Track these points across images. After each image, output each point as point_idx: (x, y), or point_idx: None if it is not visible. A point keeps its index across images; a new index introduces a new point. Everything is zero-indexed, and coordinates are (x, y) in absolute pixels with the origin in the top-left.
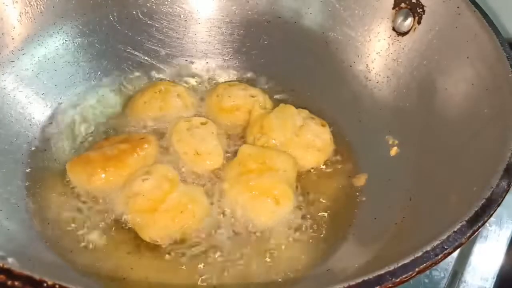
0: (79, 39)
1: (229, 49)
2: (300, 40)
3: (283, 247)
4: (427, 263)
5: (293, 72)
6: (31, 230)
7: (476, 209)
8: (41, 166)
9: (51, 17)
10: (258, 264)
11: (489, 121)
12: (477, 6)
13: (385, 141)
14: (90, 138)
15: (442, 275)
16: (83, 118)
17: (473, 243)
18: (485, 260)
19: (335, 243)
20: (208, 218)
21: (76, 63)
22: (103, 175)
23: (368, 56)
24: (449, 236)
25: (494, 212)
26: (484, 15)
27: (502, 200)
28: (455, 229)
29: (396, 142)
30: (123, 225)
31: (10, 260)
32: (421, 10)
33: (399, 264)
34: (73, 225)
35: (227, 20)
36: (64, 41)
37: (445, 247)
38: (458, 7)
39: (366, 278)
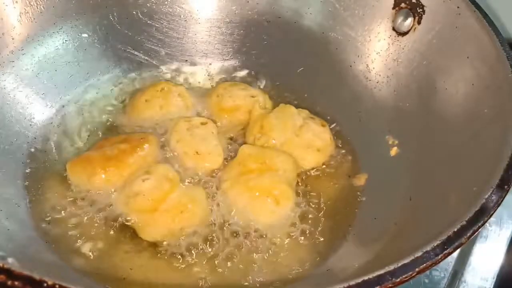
0: (79, 39)
1: (229, 49)
2: (300, 40)
3: (283, 247)
4: (427, 263)
5: (293, 72)
6: (31, 230)
7: (476, 209)
8: (41, 166)
9: (51, 17)
10: (258, 264)
11: (489, 121)
12: (477, 6)
13: (385, 141)
14: (90, 138)
15: (442, 275)
16: (83, 118)
17: (473, 243)
18: (485, 260)
19: (335, 243)
20: (208, 218)
21: (76, 63)
22: (103, 175)
23: (368, 56)
24: (449, 236)
25: (494, 212)
26: (484, 15)
27: (502, 200)
28: (455, 229)
29: (396, 142)
30: (123, 225)
31: (10, 260)
32: (421, 10)
33: (399, 264)
34: (73, 225)
35: (227, 20)
36: (64, 41)
37: (445, 247)
38: (458, 7)
39: (366, 278)
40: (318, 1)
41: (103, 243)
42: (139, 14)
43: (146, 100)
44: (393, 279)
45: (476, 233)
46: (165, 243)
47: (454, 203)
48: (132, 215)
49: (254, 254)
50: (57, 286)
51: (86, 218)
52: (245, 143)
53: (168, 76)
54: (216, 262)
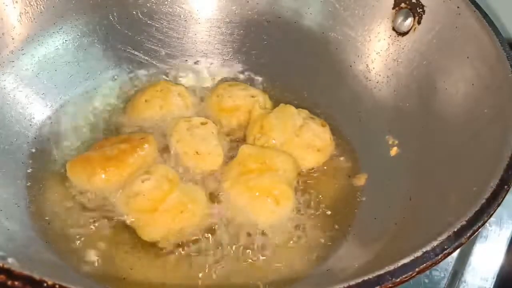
0: (79, 39)
1: (229, 49)
2: (300, 40)
3: (283, 247)
4: (427, 263)
5: (293, 72)
6: (31, 230)
7: (476, 209)
8: (41, 166)
9: (51, 17)
10: (258, 264)
11: (489, 121)
12: (477, 6)
13: (385, 141)
14: (90, 138)
15: (442, 275)
16: (83, 118)
17: (473, 243)
18: (485, 260)
19: (335, 243)
20: (208, 218)
21: (76, 63)
22: (103, 175)
23: (368, 56)
24: (449, 236)
25: (494, 212)
26: (484, 15)
27: (502, 200)
28: (455, 229)
29: (396, 142)
30: (123, 225)
31: (10, 260)
32: (421, 10)
33: (399, 264)
34: (73, 225)
35: (227, 20)
36: (64, 41)
37: (445, 247)
38: (458, 7)
39: (366, 278)
40: (318, 1)
41: (103, 243)
42: (139, 14)
43: (146, 100)
44: (393, 279)
45: (476, 233)
46: (165, 243)
47: (454, 203)
48: (132, 215)
49: (254, 254)
50: (57, 286)
51: (86, 218)
52: (245, 143)
53: (168, 76)
54: (216, 262)
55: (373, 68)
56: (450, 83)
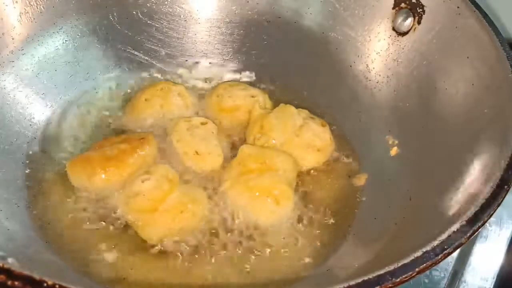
0: (79, 39)
1: (229, 49)
2: (300, 40)
3: (283, 246)
4: (427, 263)
5: (293, 72)
6: (31, 230)
7: (476, 209)
8: (41, 166)
9: (51, 17)
10: (258, 264)
11: (489, 121)
12: (477, 6)
13: (385, 141)
14: (90, 138)
15: (442, 275)
16: (83, 118)
17: (473, 243)
18: (485, 260)
19: (335, 243)
20: (208, 218)
21: (76, 63)
22: (103, 175)
23: (368, 56)
24: (449, 236)
25: (494, 212)
26: (484, 15)
27: (502, 200)
28: (455, 229)
29: (396, 142)
30: (123, 225)
31: (10, 260)
32: (421, 10)
33: (399, 264)
34: (73, 225)
35: (227, 20)
36: (64, 41)
37: (445, 247)
38: (458, 7)
39: (366, 278)
40: (318, 1)
41: (103, 243)
42: (139, 14)
43: (146, 100)
44: (393, 279)
45: (476, 233)
46: (165, 242)
47: (454, 203)
48: (132, 215)
49: (254, 254)
50: (57, 286)
51: (86, 218)
52: (245, 143)
53: (168, 76)
54: (216, 262)
55: (373, 68)
56: (450, 83)
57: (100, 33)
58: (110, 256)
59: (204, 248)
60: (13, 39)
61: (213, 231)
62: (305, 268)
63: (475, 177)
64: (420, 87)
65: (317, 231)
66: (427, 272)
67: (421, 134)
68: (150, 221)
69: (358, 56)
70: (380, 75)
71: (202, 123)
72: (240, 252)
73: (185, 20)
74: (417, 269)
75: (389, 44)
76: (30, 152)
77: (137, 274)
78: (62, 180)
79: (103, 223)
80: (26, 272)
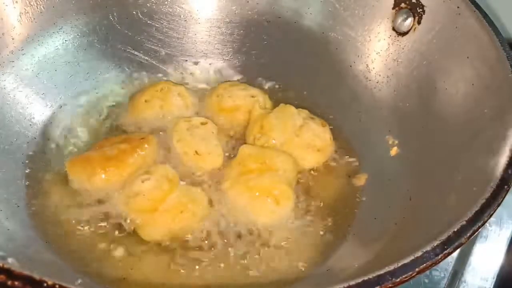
0: (79, 39)
1: (229, 49)
2: (300, 40)
3: (282, 247)
4: (427, 263)
5: (293, 72)
6: (31, 230)
7: (476, 209)
8: (41, 166)
9: (51, 17)
10: (258, 264)
11: (489, 121)
12: (477, 6)
13: (385, 141)
14: (90, 138)
15: (442, 275)
16: (83, 118)
17: (473, 243)
18: (485, 260)
19: (335, 243)
20: (208, 218)
21: (76, 63)
22: (103, 175)
23: (368, 56)
24: (449, 236)
25: (494, 212)
26: (484, 15)
27: (502, 200)
28: (455, 229)
29: (396, 142)
30: (123, 225)
31: (10, 260)
32: (421, 10)
33: (399, 264)
34: (73, 225)
35: (227, 20)
36: (64, 41)
37: (445, 247)
38: (458, 7)
39: (366, 278)
40: (318, 1)
41: (103, 243)
42: (139, 14)
43: (145, 100)
44: (393, 279)
45: (476, 233)
46: (165, 243)
47: (454, 203)
48: (132, 215)
49: (254, 254)
50: (57, 286)
51: (86, 218)
52: (245, 143)
53: (168, 76)
54: (215, 262)
55: (373, 68)
56: (450, 83)
57: (100, 33)
58: (110, 256)
59: (204, 248)
60: (13, 39)
61: (213, 231)
62: (305, 268)
63: (475, 177)
64: (420, 87)
65: (317, 231)
66: (427, 272)
67: (421, 134)
68: (150, 221)
69: (358, 56)
70: (380, 75)
71: (202, 123)
72: (240, 252)
73: (185, 20)
74: (417, 269)
75: (389, 44)
76: (30, 152)
77: (137, 274)
78: (62, 180)
79: (103, 223)
80: (26, 272)
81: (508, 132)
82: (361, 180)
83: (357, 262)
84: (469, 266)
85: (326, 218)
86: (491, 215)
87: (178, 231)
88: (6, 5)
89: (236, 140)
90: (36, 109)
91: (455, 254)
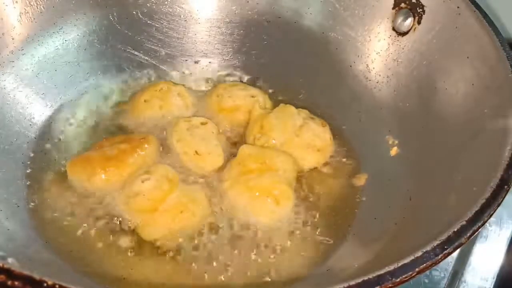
0: (79, 39)
1: (229, 49)
2: (300, 40)
3: (283, 247)
4: (427, 263)
5: (293, 72)
6: (31, 230)
7: (476, 209)
8: (41, 166)
9: (51, 17)
10: (258, 264)
11: (489, 121)
12: (477, 6)
13: (385, 141)
14: (90, 138)
15: (442, 275)
16: (83, 118)
17: (473, 243)
18: (485, 260)
19: (335, 243)
20: (208, 218)
21: (76, 63)
22: (103, 175)
23: (368, 56)
24: (449, 236)
25: (494, 212)
26: (484, 15)
27: (502, 200)
28: (455, 229)
29: (396, 142)
30: (123, 225)
31: (10, 260)
32: (421, 10)
33: (399, 264)
34: (73, 225)
35: (227, 20)
36: (64, 41)
37: (445, 247)
38: (458, 7)
39: (366, 278)
40: (318, 1)
41: (103, 243)
42: (139, 14)
43: (145, 100)
44: (393, 279)
45: (476, 233)
46: (165, 243)
47: (454, 203)
48: (132, 215)
49: (254, 254)
50: (57, 286)
51: (86, 218)
52: (245, 143)
53: (168, 76)
54: (215, 262)
55: (373, 68)
56: (450, 83)
57: (100, 33)
58: (109, 256)
59: (204, 248)
60: (13, 39)
61: (213, 231)
62: (305, 268)
63: (475, 177)
64: (420, 87)
65: (317, 231)
66: (427, 272)
67: (421, 134)
68: (150, 221)
69: (358, 56)
70: (380, 75)
71: (202, 123)
72: (240, 252)
73: (185, 20)
74: (417, 269)
75: (389, 44)
76: (30, 152)
77: (137, 274)
78: (62, 180)
79: (103, 223)
80: (26, 272)
81: (508, 132)
82: (361, 180)
83: (357, 262)
84: (469, 266)
85: (326, 218)
86: (491, 215)
87: (178, 231)
88: (6, 5)
89: (236, 140)
90: (36, 109)
91: (455, 254)
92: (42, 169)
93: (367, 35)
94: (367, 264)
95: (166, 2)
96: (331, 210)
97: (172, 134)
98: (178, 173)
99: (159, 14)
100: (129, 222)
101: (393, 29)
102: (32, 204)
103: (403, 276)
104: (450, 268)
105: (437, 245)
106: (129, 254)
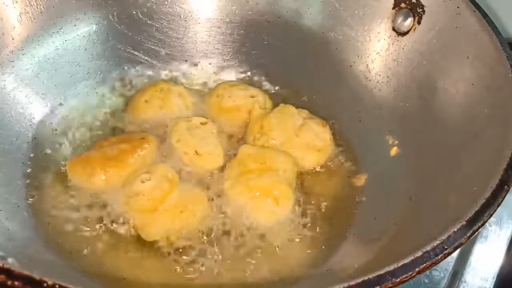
0: (79, 39)
1: (229, 49)
2: (300, 40)
3: (283, 247)
4: (427, 263)
5: (293, 72)
6: (31, 230)
7: (476, 209)
8: (41, 166)
9: (51, 17)
10: (258, 264)
11: (489, 121)
12: (477, 6)
13: (385, 141)
14: (90, 138)
15: (442, 275)
16: (83, 118)
17: (473, 243)
18: (485, 260)
19: (335, 243)
20: (208, 218)
21: (76, 63)
22: (103, 175)
23: (368, 56)
24: (449, 236)
25: (494, 212)
26: (484, 15)
27: (502, 200)
28: (455, 229)
29: (396, 142)
30: (123, 225)
31: (10, 260)
32: (421, 10)
33: (399, 264)
34: (73, 225)
35: (227, 20)
36: (64, 41)
37: (445, 247)
38: (458, 7)
39: (366, 278)
40: (318, 1)
41: (103, 243)
42: (139, 14)
43: (145, 100)
44: (393, 279)
45: (476, 233)
46: (165, 243)
47: (454, 203)
48: (132, 215)
49: (254, 254)
50: (57, 286)
51: (86, 218)
52: (245, 143)
53: (168, 76)
54: (215, 262)
55: (373, 68)
56: (450, 83)
57: (100, 33)
58: (109, 256)
59: (204, 248)
60: (13, 39)
61: (213, 231)
62: (305, 268)
63: (475, 177)
64: (420, 87)
65: (317, 231)
66: (427, 272)
67: (421, 134)
68: (150, 221)
69: (358, 56)
70: (380, 75)
71: (202, 123)
72: (240, 252)
73: (185, 20)
74: (417, 269)
75: (389, 44)
76: (30, 152)
77: (137, 274)
78: (62, 180)
79: (103, 223)
80: (26, 272)
81: (508, 132)
82: (361, 180)
83: (357, 262)
84: (469, 266)
85: (326, 218)
86: (491, 215)
87: (178, 231)
88: (6, 5)
89: (236, 140)
90: (36, 109)
91: (455, 254)
92: (42, 169)
93: (367, 35)
94: (367, 264)
95: (166, 2)
96: (331, 210)
97: (172, 134)
98: (178, 173)
99: (159, 14)
100: (129, 222)
101: (393, 29)
102: (32, 204)
103: (403, 276)
104: (450, 268)
105: (437, 245)
106: (129, 254)
